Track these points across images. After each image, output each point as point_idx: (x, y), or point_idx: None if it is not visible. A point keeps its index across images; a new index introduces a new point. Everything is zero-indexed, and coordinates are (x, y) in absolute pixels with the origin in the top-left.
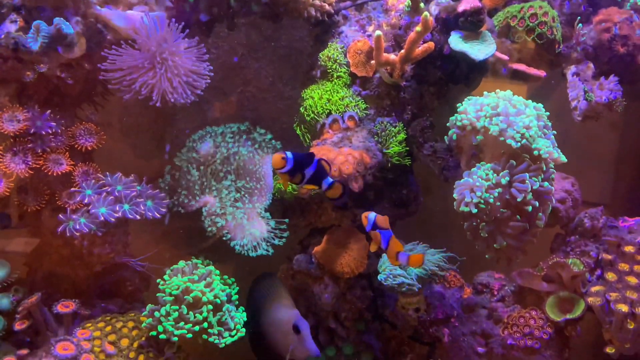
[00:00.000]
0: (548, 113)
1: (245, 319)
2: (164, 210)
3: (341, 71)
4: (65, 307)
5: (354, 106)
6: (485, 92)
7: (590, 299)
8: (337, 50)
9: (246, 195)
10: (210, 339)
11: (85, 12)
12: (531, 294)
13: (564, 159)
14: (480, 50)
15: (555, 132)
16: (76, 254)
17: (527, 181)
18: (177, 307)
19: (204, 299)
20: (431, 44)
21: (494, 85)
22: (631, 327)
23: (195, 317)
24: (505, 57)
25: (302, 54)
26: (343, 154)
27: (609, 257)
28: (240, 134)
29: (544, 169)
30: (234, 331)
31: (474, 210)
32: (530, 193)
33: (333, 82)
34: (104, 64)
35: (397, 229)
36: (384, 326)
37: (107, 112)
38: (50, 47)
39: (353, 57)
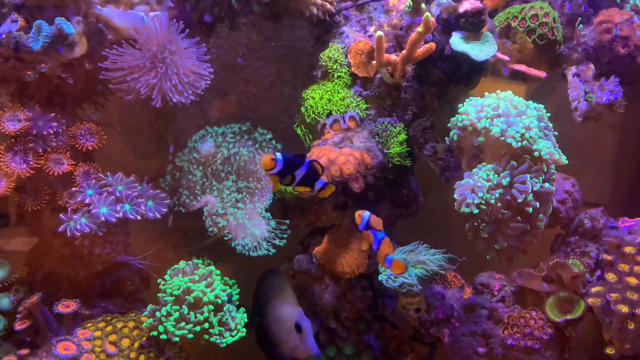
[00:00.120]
0: (549, 114)
1: (246, 319)
2: (164, 210)
3: (342, 71)
4: (66, 307)
5: (355, 106)
6: (486, 93)
7: (590, 300)
8: (338, 50)
9: (247, 196)
10: (212, 339)
11: (87, 12)
12: (531, 294)
13: (565, 160)
14: (482, 51)
15: (556, 132)
16: (77, 253)
17: (528, 182)
18: (178, 307)
19: (205, 299)
20: (432, 45)
21: (493, 84)
22: (631, 327)
23: (196, 317)
24: (506, 58)
25: (302, 53)
26: (344, 155)
27: (609, 257)
28: (241, 134)
29: (545, 170)
30: (235, 331)
31: (475, 211)
32: (531, 194)
33: (334, 83)
34: (105, 63)
35: (397, 229)
36: (384, 326)
37: (107, 111)
38: (52, 46)
39: (354, 57)
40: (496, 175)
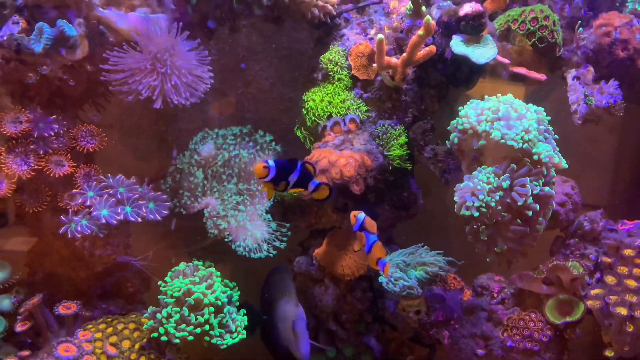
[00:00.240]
0: (549, 118)
1: (246, 320)
2: (165, 212)
3: (342, 74)
4: (66, 308)
5: (356, 109)
6: (486, 96)
7: (589, 302)
8: (339, 53)
9: (247, 197)
10: (213, 341)
11: (88, 14)
12: (531, 296)
13: (564, 164)
14: (482, 54)
15: (557, 136)
16: (77, 255)
17: (528, 185)
18: (179, 309)
19: (206, 301)
20: (433, 48)
21: (491, 85)
22: (630, 329)
23: (196, 319)
24: (507, 61)
25: (303, 56)
26: (344, 157)
27: (609, 260)
28: (242, 136)
29: (545, 173)
30: (235, 333)
31: (476, 214)
32: (531, 197)
33: (334, 85)
34: (106, 65)
35: (397, 231)
36: (384, 328)
37: (108, 113)
38: (53, 48)
39: (355, 60)
40: (496, 178)
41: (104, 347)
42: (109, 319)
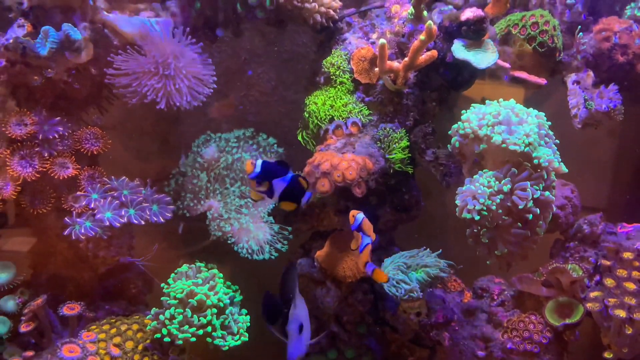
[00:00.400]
0: (550, 123)
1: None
2: (169, 215)
3: (344, 77)
4: (70, 309)
5: (358, 112)
6: (487, 101)
7: (589, 304)
8: (341, 57)
9: (250, 200)
10: (215, 342)
11: (93, 18)
12: (530, 298)
13: (564, 169)
14: (483, 58)
15: (558, 141)
16: (81, 256)
17: (528, 189)
18: (182, 310)
19: (208, 302)
20: (434, 52)
21: (491, 88)
22: (629, 332)
23: (199, 320)
24: (507, 65)
25: (305, 59)
26: (346, 160)
27: (608, 263)
28: (245, 139)
29: (545, 177)
30: (237, 335)
31: (477, 217)
32: (532, 201)
33: (336, 89)
34: (110, 69)
35: (398, 233)
36: (385, 330)
37: (112, 116)
38: (59, 52)
39: (357, 64)
40: (497, 182)
41: (108, 347)
42: (113, 320)
